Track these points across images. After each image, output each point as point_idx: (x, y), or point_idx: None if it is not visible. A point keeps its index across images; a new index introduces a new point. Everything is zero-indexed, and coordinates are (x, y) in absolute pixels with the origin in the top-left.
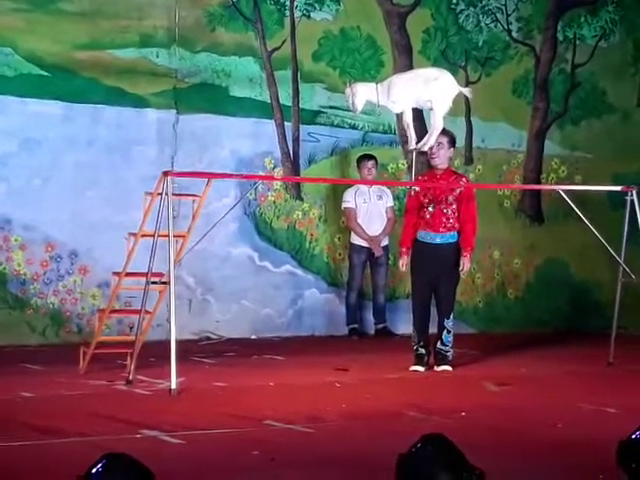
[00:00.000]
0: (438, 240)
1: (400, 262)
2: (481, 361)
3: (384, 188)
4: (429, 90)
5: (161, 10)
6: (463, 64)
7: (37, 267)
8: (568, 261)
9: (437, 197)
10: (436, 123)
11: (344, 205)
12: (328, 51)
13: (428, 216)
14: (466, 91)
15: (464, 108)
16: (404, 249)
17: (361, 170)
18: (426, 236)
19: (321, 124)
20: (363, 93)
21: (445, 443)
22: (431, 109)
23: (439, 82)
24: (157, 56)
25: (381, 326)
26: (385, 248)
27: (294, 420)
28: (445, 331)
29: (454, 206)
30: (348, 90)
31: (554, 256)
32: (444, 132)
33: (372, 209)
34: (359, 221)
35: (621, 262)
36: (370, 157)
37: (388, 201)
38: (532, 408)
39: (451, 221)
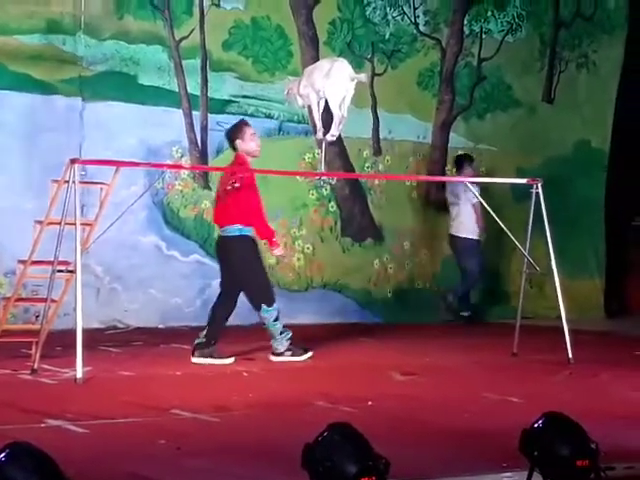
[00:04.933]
0: None
1: (280, 250)
2: (388, 351)
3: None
4: (322, 80)
5: None
6: (369, 56)
7: None
8: None
9: None
10: (333, 112)
11: (475, 200)
12: (239, 40)
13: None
14: (362, 77)
15: (370, 100)
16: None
17: (467, 170)
18: None
19: (232, 113)
20: (296, 88)
21: (351, 432)
22: (325, 99)
23: (330, 71)
24: (63, 43)
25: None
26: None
27: (201, 409)
28: None
29: None
30: (288, 87)
31: None
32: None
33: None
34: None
35: (526, 254)
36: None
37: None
38: (438, 397)
39: None
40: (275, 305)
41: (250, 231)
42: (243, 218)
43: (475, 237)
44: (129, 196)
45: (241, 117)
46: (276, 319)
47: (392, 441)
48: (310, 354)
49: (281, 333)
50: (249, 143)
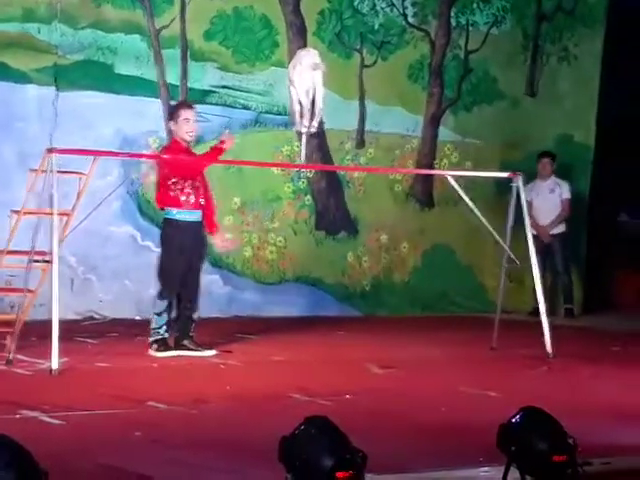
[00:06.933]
0: (195, 218)
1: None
2: (366, 344)
3: (559, 181)
4: (292, 70)
5: None
6: (358, 47)
7: None
8: (454, 246)
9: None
10: (301, 102)
11: (565, 196)
12: (221, 30)
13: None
14: (322, 67)
15: (358, 91)
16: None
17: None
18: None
19: (212, 104)
20: None
21: (328, 425)
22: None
23: (298, 60)
24: (39, 31)
25: (569, 307)
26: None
27: (177, 402)
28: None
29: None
30: None
31: (441, 241)
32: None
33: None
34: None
35: (506, 248)
36: (547, 154)
37: (563, 193)
38: (415, 391)
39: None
40: (164, 302)
41: (172, 214)
42: (161, 201)
43: (559, 231)
44: (104, 186)
45: (221, 107)
46: (159, 314)
47: (369, 435)
48: (209, 353)
49: (153, 328)
50: (181, 126)
